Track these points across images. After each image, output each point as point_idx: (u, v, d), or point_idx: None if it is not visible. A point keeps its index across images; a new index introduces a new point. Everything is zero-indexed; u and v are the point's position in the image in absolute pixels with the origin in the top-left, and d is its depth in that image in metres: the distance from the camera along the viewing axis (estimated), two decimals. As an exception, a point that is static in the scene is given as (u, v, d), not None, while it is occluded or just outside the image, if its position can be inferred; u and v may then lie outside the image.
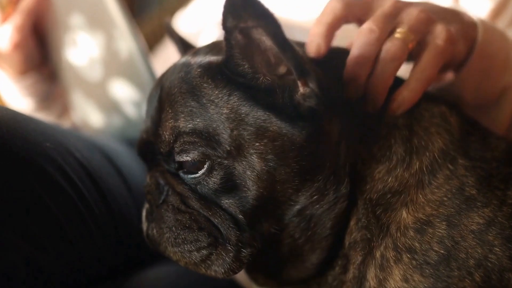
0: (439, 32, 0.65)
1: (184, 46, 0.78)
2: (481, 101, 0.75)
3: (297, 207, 0.61)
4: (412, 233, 0.60)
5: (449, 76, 0.75)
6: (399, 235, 0.60)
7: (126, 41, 0.89)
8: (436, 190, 0.61)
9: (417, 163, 0.62)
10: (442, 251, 0.58)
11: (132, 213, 0.84)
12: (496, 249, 0.57)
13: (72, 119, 1.13)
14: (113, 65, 0.94)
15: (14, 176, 0.67)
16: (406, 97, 0.64)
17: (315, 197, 0.61)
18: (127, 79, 0.93)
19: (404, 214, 0.61)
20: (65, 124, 1.12)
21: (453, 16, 0.70)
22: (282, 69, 0.60)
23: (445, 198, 0.60)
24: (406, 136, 0.63)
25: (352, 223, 0.62)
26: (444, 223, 0.59)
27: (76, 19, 0.95)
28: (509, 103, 0.75)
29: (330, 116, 0.62)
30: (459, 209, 0.59)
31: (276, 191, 0.60)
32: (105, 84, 0.96)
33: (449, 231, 0.59)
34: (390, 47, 0.63)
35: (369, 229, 0.62)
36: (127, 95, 0.95)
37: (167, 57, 1.04)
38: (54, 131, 0.78)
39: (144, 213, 0.69)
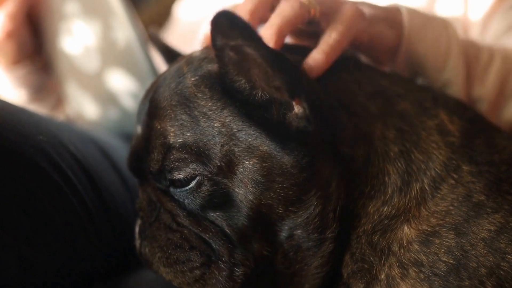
0: (347, 7, 0.66)
1: (170, 55, 0.77)
2: None
3: (283, 234, 0.60)
4: (416, 247, 0.58)
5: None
6: (402, 251, 0.59)
7: (124, 29, 0.88)
8: (440, 201, 0.59)
9: (417, 185, 0.60)
10: (451, 261, 0.57)
11: (128, 210, 0.83)
12: (509, 256, 0.56)
13: (67, 112, 1.12)
14: (110, 54, 0.93)
15: (5, 170, 0.66)
16: (316, 58, 0.63)
17: (299, 231, 0.60)
18: (125, 69, 0.92)
19: (406, 229, 0.59)
20: (59, 116, 1.11)
21: (373, 5, 0.71)
22: (278, 82, 0.58)
23: (451, 207, 0.59)
24: (402, 169, 0.61)
25: (346, 257, 0.61)
26: (451, 232, 0.58)
27: (71, 7, 0.93)
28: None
29: (324, 153, 0.60)
30: (467, 216, 0.58)
31: (263, 214, 0.59)
32: (102, 75, 0.95)
33: (458, 240, 0.57)
34: (283, 4, 0.63)
35: (365, 260, 0.60)
36: (124, 86, 0.93)
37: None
38: (48, 124, 0.77)
39: (137, 230, 0.68)
